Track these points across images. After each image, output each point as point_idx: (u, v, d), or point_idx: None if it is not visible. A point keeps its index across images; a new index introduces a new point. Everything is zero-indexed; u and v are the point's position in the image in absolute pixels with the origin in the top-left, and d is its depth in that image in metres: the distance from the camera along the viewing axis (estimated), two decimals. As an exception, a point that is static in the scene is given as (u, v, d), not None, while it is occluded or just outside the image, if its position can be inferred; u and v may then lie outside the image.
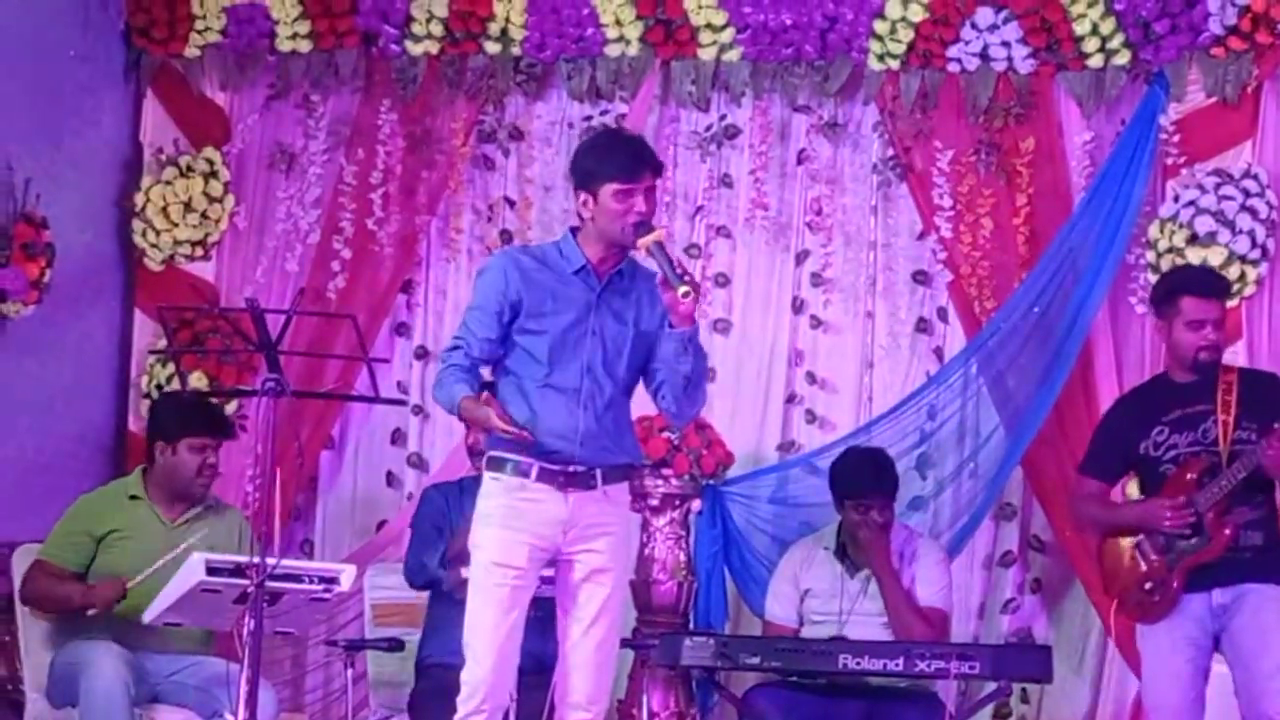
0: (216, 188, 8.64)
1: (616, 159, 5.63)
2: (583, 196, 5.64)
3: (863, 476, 7.38)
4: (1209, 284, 6.74)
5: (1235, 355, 7.77)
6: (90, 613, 6.71)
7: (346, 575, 6.36)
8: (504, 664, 5.57)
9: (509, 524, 5.58)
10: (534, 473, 5.57)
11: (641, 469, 5.82)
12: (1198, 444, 6.51)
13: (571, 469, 5.58)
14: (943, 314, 8.32)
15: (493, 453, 5.64)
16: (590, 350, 5.62)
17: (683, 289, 5.48)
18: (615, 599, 5.72)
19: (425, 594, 7.23)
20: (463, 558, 6.01)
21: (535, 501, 5.58)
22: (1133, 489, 6.89)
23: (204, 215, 8.63)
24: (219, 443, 7.12)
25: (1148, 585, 6.56)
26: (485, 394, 5.61)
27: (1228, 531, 6.42)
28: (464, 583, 6.66)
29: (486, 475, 5.66)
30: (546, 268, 5.67)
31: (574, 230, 5.72)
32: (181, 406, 7.25)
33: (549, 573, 5.72)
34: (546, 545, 5.60)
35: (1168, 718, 6.54)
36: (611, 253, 5.66)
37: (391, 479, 8.70)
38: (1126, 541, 6.64)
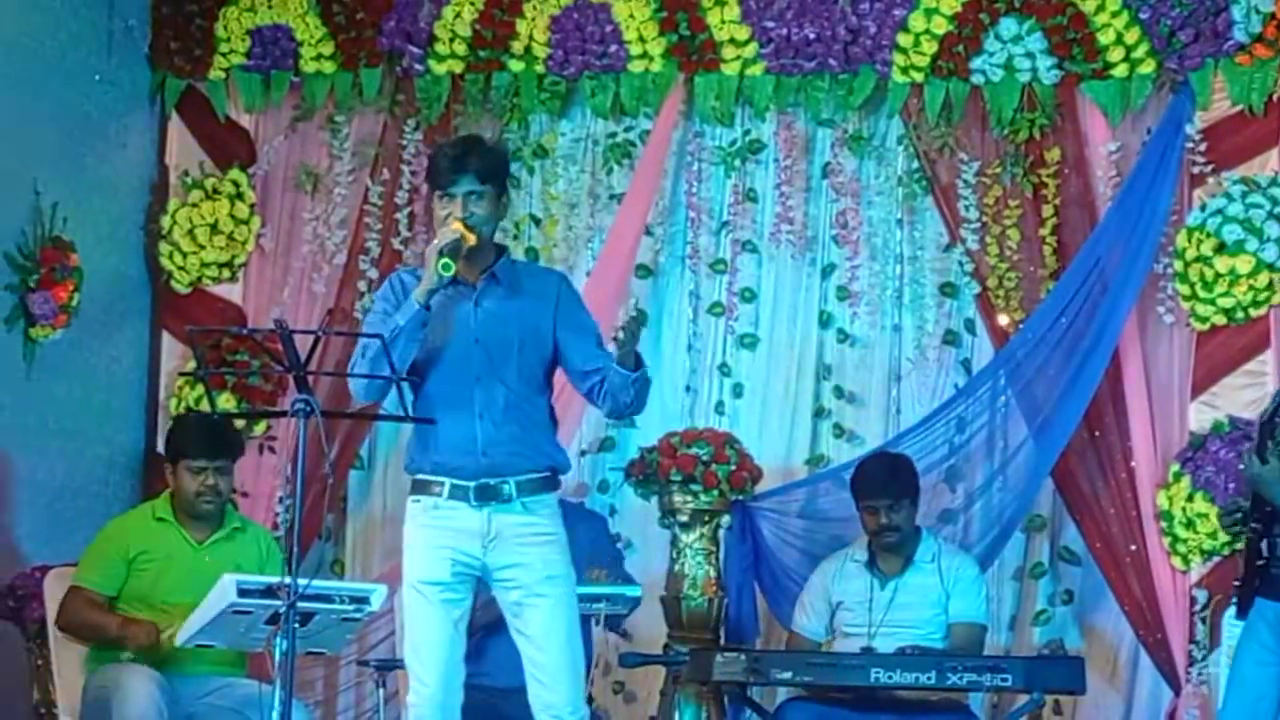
0: (242, 209, 8.65)
1: (434, 169, 5.72)
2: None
3: (869, 478, 7.44)
4: None
5: (1264, 364, 7.79)
6: (125, 657, 6.71)
7: (377, 595, 6.36)
8: (450, 682, 5.59)
9: (428, 541, 5.63)
10: (445, 491, 5.61)
11: (560, 477, 5.76)
12: None
13: (480, 482, 5.59)
14: (970, 326, 8.30)
15: (413, 477, 5.70)
16: (477, 359, 5.62)
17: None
18: (561, 608, 5.65)
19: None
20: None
21: (450, 517, 5.61)
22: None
23: (230, 237, 8.64)
24: (219, 465, 7.05)
25: (1236, 581, 6.50)
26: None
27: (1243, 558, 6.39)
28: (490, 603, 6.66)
29: (408, 501, 5.72)
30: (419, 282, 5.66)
31: None
32: (182, 429, 7.26)
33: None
34: (470, 559, 5.61)
35: (1226, 715, 6.48)
36: (474, 261, 5.64)
37: (420, 498, 8.67)
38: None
